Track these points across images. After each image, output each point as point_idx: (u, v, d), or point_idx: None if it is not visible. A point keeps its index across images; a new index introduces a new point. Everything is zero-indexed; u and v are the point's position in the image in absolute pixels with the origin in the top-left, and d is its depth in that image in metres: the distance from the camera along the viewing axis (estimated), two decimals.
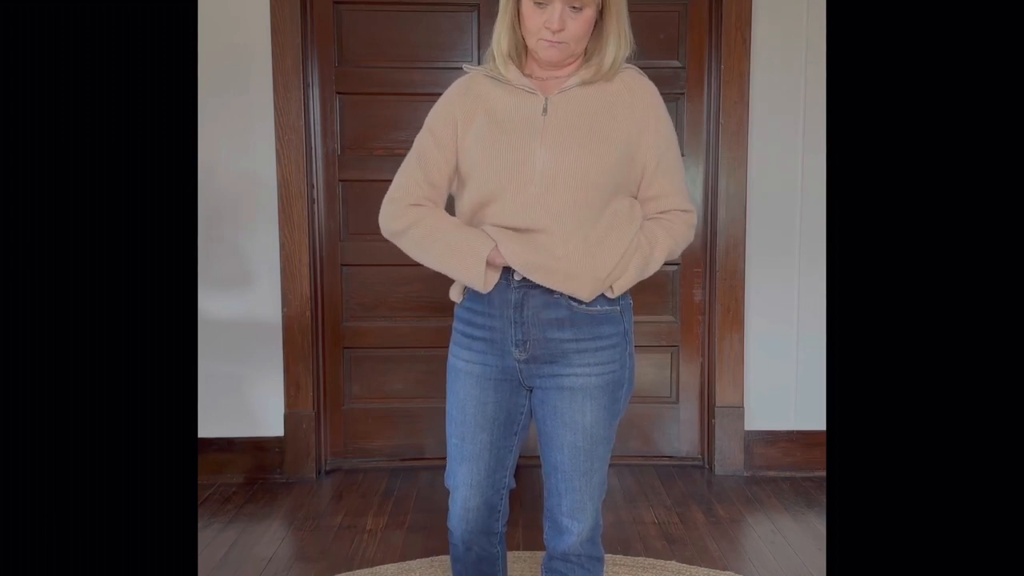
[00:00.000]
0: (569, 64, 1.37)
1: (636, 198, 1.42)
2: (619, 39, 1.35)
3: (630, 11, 1.38)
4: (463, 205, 1.40)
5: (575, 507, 1.41)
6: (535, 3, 1.29)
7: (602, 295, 1.38)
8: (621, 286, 1.37)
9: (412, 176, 1.40)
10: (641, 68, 1.43)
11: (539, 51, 1.33)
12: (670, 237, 1.40)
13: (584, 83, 1.36)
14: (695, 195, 2.85)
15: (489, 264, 1.34)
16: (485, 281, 1.34)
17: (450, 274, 1.38)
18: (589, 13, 1.30)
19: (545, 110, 1.35)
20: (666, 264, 1.50)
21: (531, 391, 1.43)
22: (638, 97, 1.38)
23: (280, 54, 2.68)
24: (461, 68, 1.47)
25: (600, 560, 1.48)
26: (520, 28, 1.34)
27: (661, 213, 1.41)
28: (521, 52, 1.38)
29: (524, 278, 1.34)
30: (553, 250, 1.32)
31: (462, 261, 1.34)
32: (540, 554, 1.51)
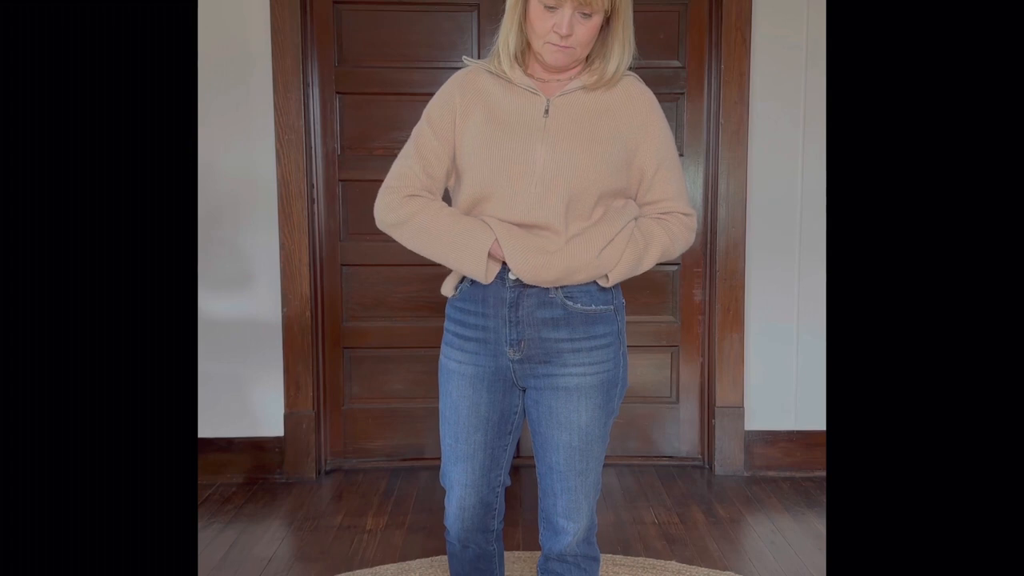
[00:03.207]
0: (572, 68, 1.37)
1: (635, 202, 1.42)
2: (624, 47, 1.35)
3: None
4: (460, 200, 1.40)
5: (571, 507, 1.41)
6: (545, 7, 1.28)
7: (596, 293, 1.38)
8: (615, 276, 1.36)
9: (410, 166, 1.39)
10: (641, 68, 1.43)
11: (545, 54, 1.33)
12: (667, 235, 1.40)
13: (585, 88, 1.36)
14: (695, 195, 2.85)
15: (491, 256, 1.34)
16: (487, 272, 1.34)
17: (451, 266, 1.38)
18: (597, 20, 1.30)
19: (547, 111, 1.35)
20: (666, 264, 1.50)
21: (524, 391, 1.43)
22: (637, 104, 1.39)
23: (280, 54, 2.68)
24: (462, 60, 1.47)
25: (596, 560, 1.48)
26: (526, 29, 1.34)
27: (662, 215, 1.42)
28: (525, 52, 1.38)
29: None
30: (549, 246, 1.32)
31: (464, 254, 1.33)
32: (539, 554, 1.51)
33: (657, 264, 1.43)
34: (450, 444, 1.44)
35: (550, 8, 1.28)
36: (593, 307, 1.38)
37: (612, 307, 1.40)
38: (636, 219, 1.40)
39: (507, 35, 1.36)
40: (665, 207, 1.42)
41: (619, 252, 1.35)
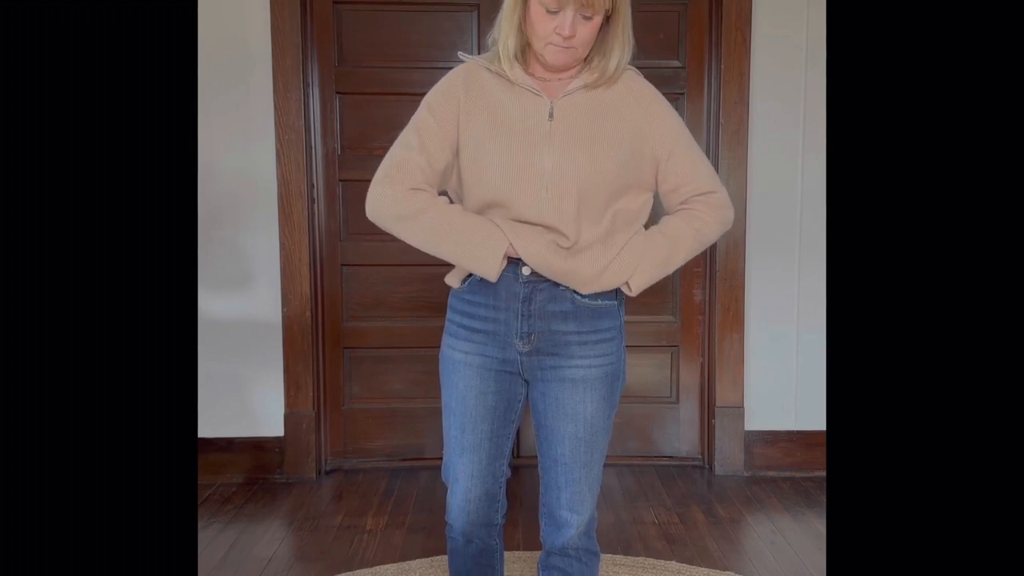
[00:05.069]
0: (572, 67, 1.37)
1: (658, 193, 1.43)
2: (623, 45, 1.35)
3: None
4: (469, 206, 1.39)
5: (575, 499, 1.42)
6: (547, 11, 1.28)
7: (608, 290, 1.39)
8: (638, 284, 1.38)
9: (413, 158, 1.35)
10: (641, 68, 1.43)
11: (547, 55, 1.33)
12: (690, 227, 1.40)
13: (587, 86, 1.36)
14: None
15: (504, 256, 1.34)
16: (497, 272, 1.34)
17: (459, 264, 1.37)
18: (598, 20, 1.31)
19: (551, 115, 1.35)
20: None
21: (527, 384, 1.44)
22: (639, 96, 1.39)
23: (280, 54, 2.68)
24: (459, 56, 1.46)
25: (596, 555, 1.49)
26: (526, 30, 1.34)
27: (683, 203, 1.42)
28: (525, 51, 1.38)
29: (533, 272, 1.35)
30: (561, 243, 1.33)
31: (478, 254, 1.32)
32: (539, 554, 1.51)
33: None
34: (456, 436, 1.44)
35: (552, 12, 1.28)
36: (599, 302, 1.39)
37: (616, 303, 1.42)
38: (661, 220, 1.42)
39: (506, 36, 1.35)
40: (684, 193, 1.41)
41: (632, 262, 1.37)
